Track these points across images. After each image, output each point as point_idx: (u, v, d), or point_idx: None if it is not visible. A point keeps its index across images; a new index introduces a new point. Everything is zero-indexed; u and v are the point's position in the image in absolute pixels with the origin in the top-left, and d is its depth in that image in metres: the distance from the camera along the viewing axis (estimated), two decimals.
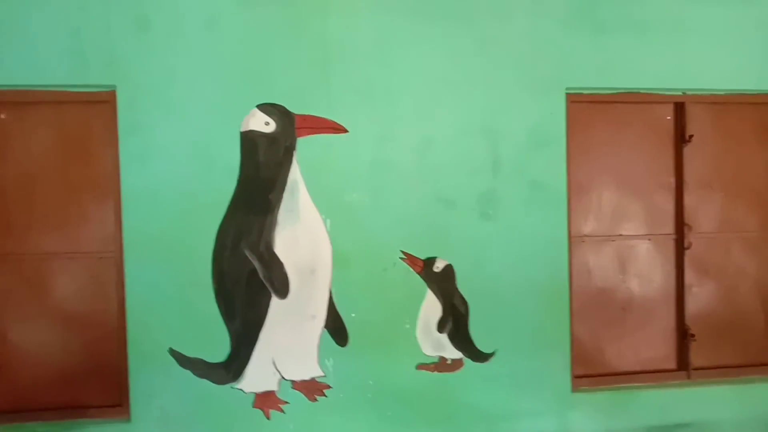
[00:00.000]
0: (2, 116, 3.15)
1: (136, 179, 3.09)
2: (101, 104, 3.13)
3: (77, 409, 3.18)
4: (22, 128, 3.15)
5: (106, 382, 3.22)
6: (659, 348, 3.69)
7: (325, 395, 3.26)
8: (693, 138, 3.59)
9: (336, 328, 3.26)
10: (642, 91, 3.53)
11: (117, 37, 3.06)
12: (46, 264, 3.19)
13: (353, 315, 3.26)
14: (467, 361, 3.38)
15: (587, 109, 3.52)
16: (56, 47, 3.03)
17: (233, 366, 3.18)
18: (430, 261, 3.32)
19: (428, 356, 3.35)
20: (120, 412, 3.19)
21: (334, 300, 3.25)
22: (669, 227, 3.67)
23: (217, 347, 3.17)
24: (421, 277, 3.31)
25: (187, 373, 3.14)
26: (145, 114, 3.08)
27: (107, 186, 3.17)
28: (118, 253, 3.16)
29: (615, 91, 3.51)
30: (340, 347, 3.26)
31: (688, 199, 3.64)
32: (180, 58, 3.10)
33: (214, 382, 3.17)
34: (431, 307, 3.34)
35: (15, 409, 3.16)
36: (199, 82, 3.11)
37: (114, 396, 3.22)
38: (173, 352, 3.13)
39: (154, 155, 3.09)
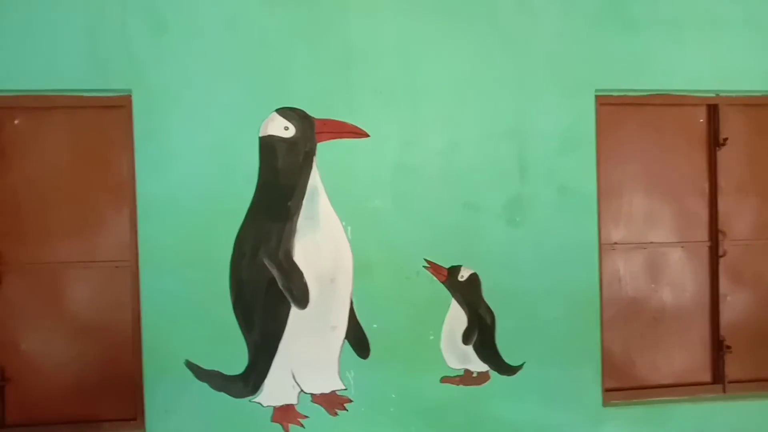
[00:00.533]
0: (16, 122, 3.08)
1: (152, 186, 3.00)
2: (117, 109, 3.06)
3: (91, 423, 3.09)
4: (37, 134, 3.09)
5: (120, 395, 3.13)
6: (693, 360, 3.54)
7: (345, 409, 3.14)
8: (727, 141, 3.45)
9: (357, 339, 3.15)
10: (673, 93, 3.40)
11: (133, 40, 2.98)
12: (60, 273, 3.11)
13: (375, 326, 3.14)
14: (493, 374, 3.25)
15: (617, 112, 3.40)
16: (71, 51, 2.96)
17: (251, 379, 3.07)
18: (454, 270, 3.20)
19: (453, 369, 3.22)
20: (135, 426, 3.09)
21: (356, 310, 3.13)
22: (703, 234, 3.53)
23: (235, 359, 3.06)
24: (446, 286, 3.19)
25: (204, 386, 3.04)
26: (161, 119, 2.99)
27: (123, 193, 3.09)
28: (134, 261, 3.06)
29: (646, 93, 3.38)
30: (361, 359, 3.15)
31: (723, 205, 3.49)
32: (197, 60, 3.01)
33: (231, 395, 3.06)
34: (456, 317, 3.22)
35: (27, 423, 3.08)
36: (217, 85, 3.02)
37: (129, 409, 3.12)
38: (190, 365, 3.03)
39: (170, 161, 3.00)
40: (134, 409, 3.11)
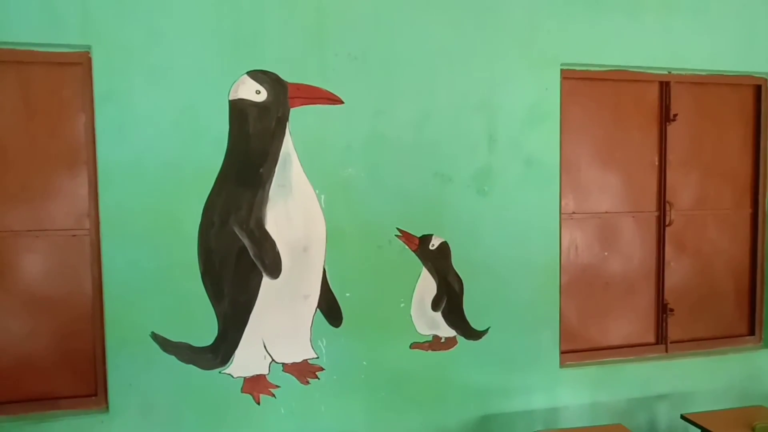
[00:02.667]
0: None
1: (113, 150, 2.82)
2: (74, 66, 2.83)
3: (49, 401, 2.92)
4: None
5: (80, 371, 2.97)
6: (640, 322, 3.79)
7: (317, 377, 3.13)
8: (677, 117, 3.65)
9: (329, 307, 3.13)
10: (630, 69, 3.55)
11: None
12: (11, 243, 2.87)
13: (347, 294, 3.14)
14: (460, 339, 3.34)
15: (578, 86, 3.51)
16: (23, 0, 2.69)
17: (221, 350, 3.00)
18: (425, 238, 3.23)
19: (422, 335, 3.28)
20: (97, 402, 2.96)
21: (328, 279, 3.11)
22: (651, 204, 3.74)
23: (204, 330, 2.98)
24: (417, 255, 3.23)
25: (171, 358, 2.93)
26: (123, 78, 2.80)
27: (81, 157, 2.89)
28: (94, 230, 2.89)
29: (605, 68, 3.51)
30: (333, 328, 3.14)
31: (670, 177, 3.71)
32: (164, 16, 2.82)
33: (200, 367, 2.98)
34: (426, 285, 3.27)
35: None
36: (184, 43, 2.85)
37: (89, 385, 2.98)
38: (156, 337, 2.91)
39: (134, 124, 2.82)
40: (95, 385, 2.97)
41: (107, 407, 2.92)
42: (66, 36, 2.75)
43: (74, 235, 2.93)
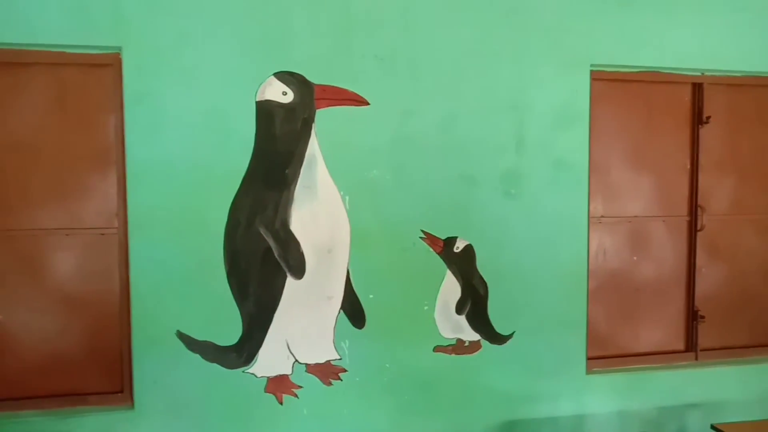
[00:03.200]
0: None
1: (142, 150, 2.85)
2: (105, 67, 2.88)
3: (76, 397, 2.96)
4: (16, 93, 2.86)
5: (107, 368, 3.01)
6: (670, 329, 3.70)
7: (340, 379, 3.13)
8: (710, 119, 3.57)
9: (353, 309, 3.13)
10: (663, 71, 3.48)
11: None
12: (42, 241, 2.93)
13: (371, 296, 3.13)
14: (485, 343, 3.30)
15: (608, 87, 3.45)
16: (55, 2, 2.74)
17: (245, 349, 3.02)
18: (450, 241, 3.21)
19: (446, 338, 3.25)
20: (122, 399, 2.99)
21: (352, 280, 3.11)
22: (683, 209, 3.66)
23: (228, 330, 2.99)
24: (441, 257, 3.20)
25: (196, 357, 2.96)
26: (153, 79, 2.84)
27: (110, 157, 2.93)
28: (123, 229, 2.93)
29: (637, 70, 3.44)
30: (356, 329, 3.14)
31: (702, 181, 3.63)
32: (193, 18, 2.85)
33: (224, 366, 3.00)
34: (450, 288, 3.24)
35: (9, 397, 2.91)
36: (213, 45, 2.88)
37: (116, 382, 3.02)
38: (181, 335, 2.94)
39: (162, 124, 2.86)
40: (121, 382, 3.01)
41: (133, 404, 2.95)
42: (97, 38, 2.80)
43: (103, 234, 2.97)
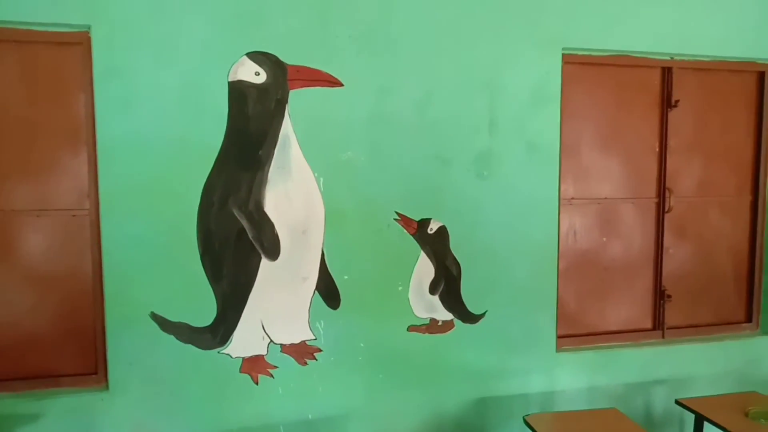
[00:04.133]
0: None
1: (113, 128, 2.82)
2: (74, 45, 2.83)
3: (49, 379, 2.95)
4: None
5: (80, 349, 3.00)
6: (637, 308, 3.80)
7: (315, 359, 3.16)
8: (679, 103, 3.64)
9: (328, 290, 3.15)
10: (633, 55, 3.53)
11: None
12: (13, 221, 2.89)
13: (346, 277, 3.15)
14: (457, 323, 3.36)
15: (580, 70, 3.49)
16: None
17: (220, 330, 3.02)
18: (424, 222, 3.24)
19: (420, 318, 3.30)
20: (97, 381, 2.99)
21: (327, 261, 3.12)
22: (651, 190, 3.74)
23: (203, 311, 2.99)
24: (415, 238, 3.24)
25: (170, 338, 2.96)
26: (123, 57, 2.79)
27: (81, 136, 2.90)
28: (94, 209, 2.90)
29: (607, 53, 3.49)
30: (331, 310, 3.16)
31: (671, 164, 3.70)
32: None
33: (199, 347, 3.00)
34: (424, 268, 3.28)
35: None
36: (184, 22, 2.84)
37: (90, 363, 3.01)
38: (155, 317, 2.94)
39: (134, 102, 2.82)
40: (95, 363, 3.00)
41: (107, 385, 2.95)
42: (66, 15, 2.74)
43: (74, 215, 2.94)
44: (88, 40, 2.80)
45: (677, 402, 3.21)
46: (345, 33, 3.03)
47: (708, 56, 3.64)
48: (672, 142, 3.69)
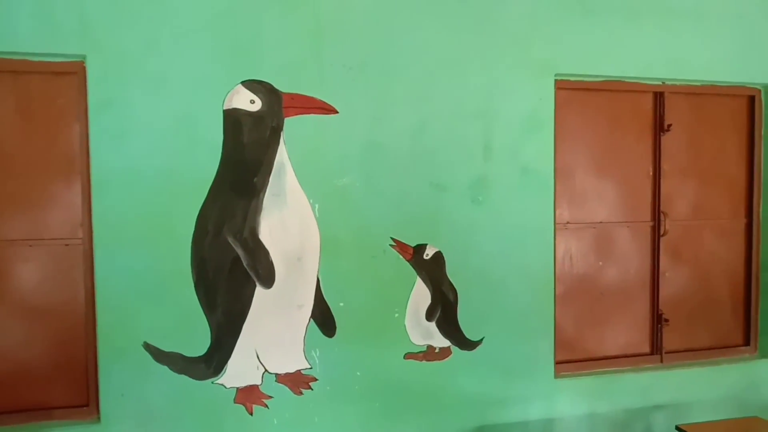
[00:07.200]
0: None
1: (107, 158, 2.81)
2: (69, 75, 2.84)
3: (41, 411, 2.90)
4: None
5: (73, 381, 2.96)
6: (635, 332, 3.78)
7: (311, 388, 3.12)
8: (671, 127, 3.66)
9: (323, 317, 3.12)
10: (625, 80, 3.56)
11: (89, 1, 2.75)
12: (5, 252, 2.86)
13: (341, 304, 3.13)
14: (455, 349, 3.33)
15: (573, 96, 3.52)
16: (18, 9, 2.69)
17: (214, 360, 2.98)
18: (420, 248, 3.23)
19: (416, 345, 3.27)
20: (88, 413, 2.94)
21: (322, 289, 3.10)
22: (646, 214, 3.75)
23: (197, 340, 2.96)
24: (411, 264, 3.22)
25: (164, 368, 2.92)
26: (118, 87, 2.80)
27: (75, 166, 2.89)
28: (88, 239, 2.88)
29: (600, 79, 3.52)
30: (327, 338, 3.13)
31: (665, 187, 3.72)
32: (158, 25, 2.83)
33: (193, 377, 2.96)
34: (420, 295, 3.26)
35: None
36: (179, 53, 2.86)
37: (81, 395, 2.96)
38: (148, 347, 2.90)
39: (128, 132, 2.82)
40: (87, 395, 2.95)
41: (99, 417, 2.90)
42: (61, 45, 2.76)
43: (67, 245, 2.92)
44: (83, 69, 2.80)
45: (678, 428, 3.17)
46: (339, 62, 3.05)
47: (699, 81, 3.69)
48: (666, 166, 3.71)
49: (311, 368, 3.11)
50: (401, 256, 3.20)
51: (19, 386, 2.90)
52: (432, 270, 3.25)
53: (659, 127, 3.69)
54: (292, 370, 3.10)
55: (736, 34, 3.66)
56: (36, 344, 2.92)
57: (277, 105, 2.99)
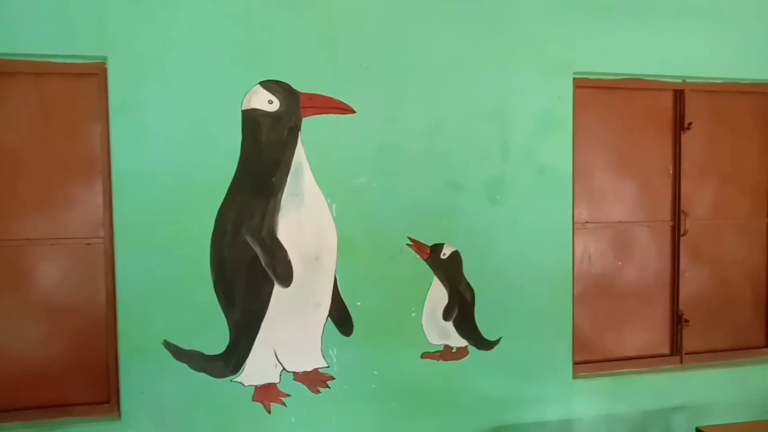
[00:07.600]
0: None
1: (128, 159, 2.85)
2: (90, 77, 2.87)
3: (62, 408, 2.94)
4: (0, 103, 2.85)
5: (93, 378, 2.99)
6: (655, 333, 3.74)
7: (328, 387, 3.13)
8: (691, 125, 3.62)
9: (341, 317, 3.13)
10: (644, 78, 3.53)
11: (108, 3, 2.78)
12: (27, 251, 2.91)
13: (358, 303, 3.14)
14: (472, 349, 3.32)
15: (591, 94, 3.49)
16: (38, 11, 2.73)
17: (232, 358, 3.01)
18: (437, 248, 3.22)
19: (433, 345, 3.27)
20: (109, 410, 2.97)
21: (339, 288, 3.11)
22: (666, 213, 3.71)
23: (216, 339, 2.99)
24: (428, 264, 3.22)
25: (183, 366, 2.94)
26: (138, 89, 2.83)
27: (96, 166, 2.92)
28: (108, 238, 2.92)
29: (619, 77, 3.49)
30: (344, 337, 3.14)
31: (685, 186, 3.68)
32: (178, 27, 2.86)
33: (212, 375, 2.98)
34: (437, 294, 3.25)
35: None
36: (198, 54, 2.88)
37: (102, 393, 3.00)
38: (168, 345, 2.93)
39: (148, 133, 2.85)
40: (108, 392, 2.99)
41: (119, 414, 2.94)
42: (81, 47, 2.79)
43: (89, 244, 2.96)
44: (104, 71, 2.84)
45: (697, 430, 3.13)
46: (356, 62, 3.05)
47: (719, 78, 3.63)
48: (686, 165, 3.66)
49: (328, 367, 3.13)
50: (418, 256, 3.20)
51: (41, 383, 2.94)
52: (449, 269, 3.25)
53: (679, 125, 3.65)
54: (309, 369, 3.11)
55: (757, 32, 3.60)
56: (58, 342, 2.97)
57: (295, 105, 3.00)
